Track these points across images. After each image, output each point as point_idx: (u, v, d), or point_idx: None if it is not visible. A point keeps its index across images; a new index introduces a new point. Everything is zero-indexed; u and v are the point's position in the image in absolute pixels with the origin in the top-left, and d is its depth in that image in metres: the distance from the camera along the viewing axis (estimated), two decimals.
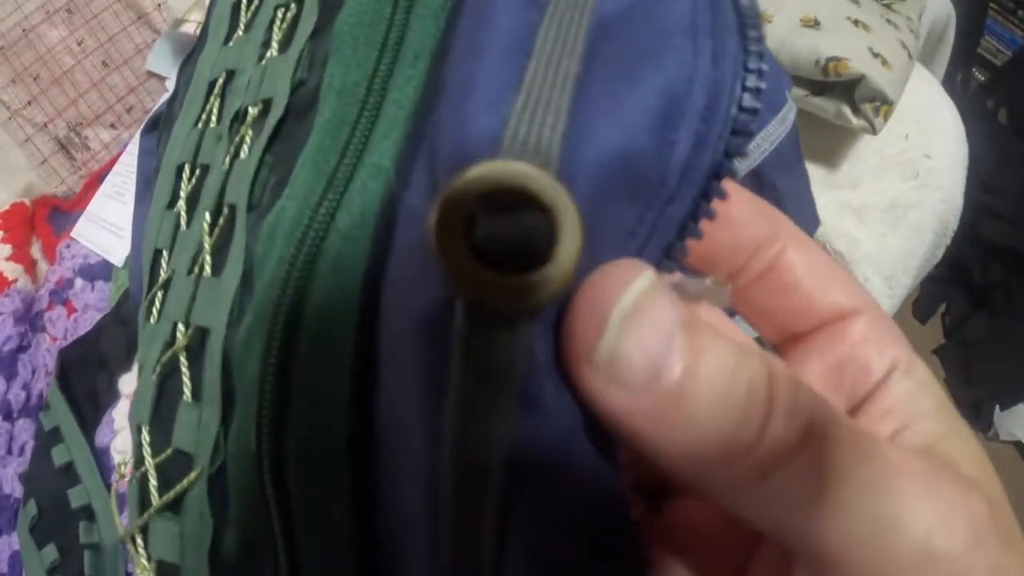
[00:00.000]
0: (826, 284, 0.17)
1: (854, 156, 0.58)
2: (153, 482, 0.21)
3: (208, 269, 0.21)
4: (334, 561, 0.17)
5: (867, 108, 0.50)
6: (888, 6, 0.60)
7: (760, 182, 0.28)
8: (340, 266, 0.17)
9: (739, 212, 0.17)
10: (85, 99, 0.77)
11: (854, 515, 0.13)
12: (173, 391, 0.22)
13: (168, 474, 0.21)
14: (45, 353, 0.59)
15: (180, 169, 0.26)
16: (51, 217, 0.73)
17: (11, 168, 0.75)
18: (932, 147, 0.59)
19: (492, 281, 0.11)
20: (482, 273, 0.11)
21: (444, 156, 0.14)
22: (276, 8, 0.24)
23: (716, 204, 0.14)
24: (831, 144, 0.58)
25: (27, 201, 0.74)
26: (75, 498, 0.48)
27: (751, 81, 0.14)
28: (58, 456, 0.50)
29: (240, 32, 0.26)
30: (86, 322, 0.58)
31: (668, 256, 0.14)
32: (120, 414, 0.48)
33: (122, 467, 0.29)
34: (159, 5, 0.75)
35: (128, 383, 0.50)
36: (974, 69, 1.46)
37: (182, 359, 0.21)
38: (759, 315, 0.18)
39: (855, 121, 0.51)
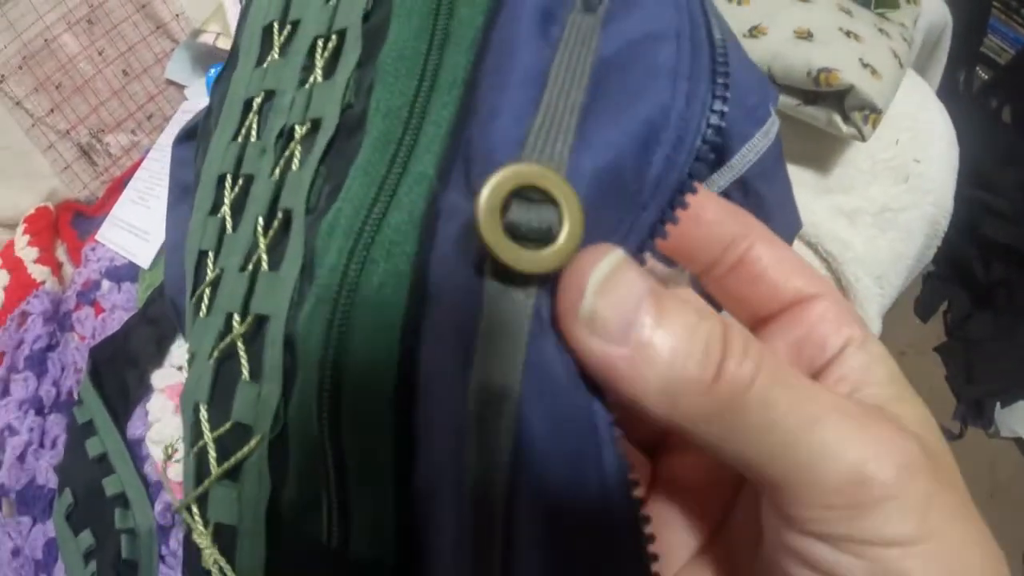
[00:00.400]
0: (789, 274, 0.20)
1: (846, 162, 0.61)
2: (212, 454, 0.24)
3: (265, 265, 0.25)
4: (378, 501, 0.20)
5: (857, 116, 0.52)
6: (881, 15, 0.62)
7: (745, 189, 0.31)
8: (392, 253, 0.20)
9: (712, 214, 0.20)
10: (106, 107, 0.79)
11: (799, 445, 0.15)
12: (230, 373, 0.25)
13: (227, 445, 0.24)
14: (74, 351, 0.62)
15: (221, 179, 0.29)
16: (74, 221, 0.75)
17: (35, 174, 0.78)
18: (922, 152, 0.61)
19: (518, 252, 0.15)
20: (511, 246, 0.15)
21: (478, 163, 0.17)
22: (316, 38, 0.27)
23: (692, 204, 0.18)
24: (823, 150, 0.61)
25: (51, 206, 0.77)
26: (109, 487, 0.51)
27: (714, 120, 0.17)
28: (92, 448, 0.53)
29: (275, 56, 0.29)
30: (114, 322, 0.60)
31: (641, 250, 0.18)
32: (154, 407, 0.51)
33: (168, 449, 0.31)
34: (177, 16, 0.77)
35: (160, 378, 0.52)
36: (977, 68, 1.46)
37: (239, 344, 0.24)
38: (732, 300, 0.21)
39: (845, 129, 0.53)
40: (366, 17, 0.26)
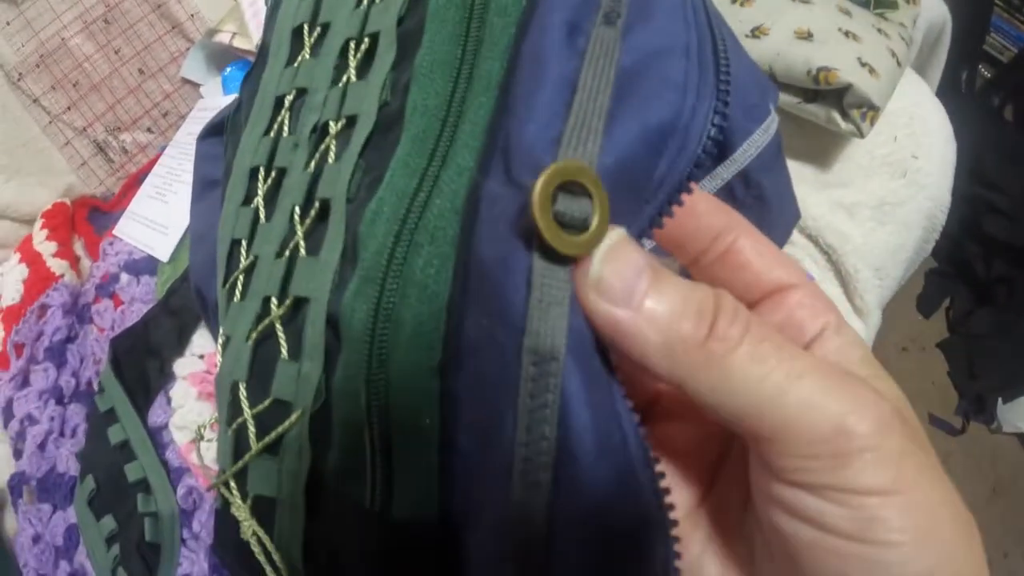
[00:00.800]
0: (770, 264, 0.22)
1: (845, 157, 0.62)
2: (252, 430, 0.26)
3: (303, 251, 0.26)
4: (422, 465, 0.21)
5: (855, 114, 0.54)
6: (881, 15, 0.64)
7: (747, 180, 0.33)
8: (436, 237, 0.22)
9: (702, 207, 0.22)
10: (122, 105, 0.81)
11: (787, 397, 0.17)
12: (269, 353, 0.27)
13: (266, 421, 0.26)
14: (93, 343, 0.63)
15: (254, 172, 0.31)
16: (91, 217, 0.77)
17: (52, 170, 0.79)
18: (920, 148, 0.62)
19: (562, 237, 0.17)
20: (559, 232, 0.17)
21: (517, 157, 0.20)
22: (348, 40, 0.29)
23: (686, 198, 0.21)
24: (823, 146, 0.62)
25: (68, 201, 0.78)
26: (131, 473, 0.52)
27: (714, 133, 0.20)
28: (114, 435, 0.54)
29: (306, 55, 0.31)
30: (133, 314, 0.62)
31: (640, 237, 0.20)
32: (177, 393, 0.52)
33: (201, 429, 0.33)
34: (192, 16, 0.78)
35: (183, 366, 0.54)
36: (980, 66, 1.46)
37: (278, 326, 0.26)
38: (720, 287, 0.23)
39: (844, 126, 0.55)
40: (399, 22, 0.28)
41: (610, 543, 0.18)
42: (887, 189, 0.61)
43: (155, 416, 0.54)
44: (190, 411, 0.51)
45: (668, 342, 0.18)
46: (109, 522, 0.52)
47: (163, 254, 0.65)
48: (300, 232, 0.27)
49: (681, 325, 0.18)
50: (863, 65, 0.54)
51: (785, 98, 0.57)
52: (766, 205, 0.34)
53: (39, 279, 0.68)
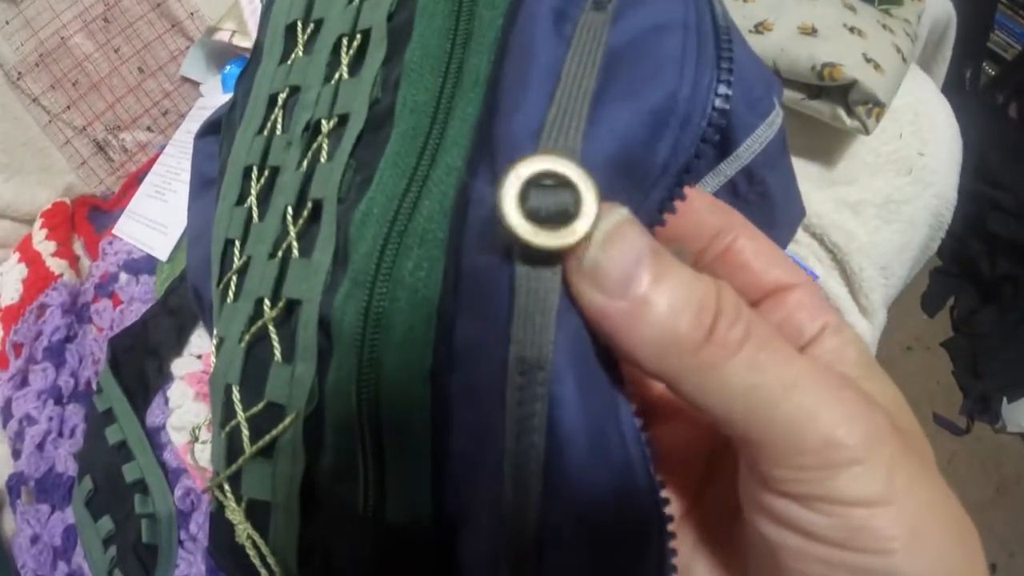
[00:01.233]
0: (770, 265, 0.22)
1: (850, 155, 0.62)
2: (245, 433, 0.26)
3: (296, 252, 0.26)
4: (415, 469, 0.21)
5: (860, 110, 0.53)
6: (885, 11, 0.63)
7: (751, 177, 0.32)
8: (425, 240, 0.22)
9: (700, 205, 0.22)
10: (122, 103, 0.80)
11: (779, 407, 0.16)
12: (262, 355, 0.26)
13: (260, 424, 0.26)
14: (92, 343, 0.63)
15: (247, 171, 0.31)
16: (91, 216, 0.76)
17: (52, 169, 0.79)
18: (926, 145, 0.62)
19: (537, 232, 0.16)
20: (531, 228, 0.16)
21: (501, 155, 0.19)
22: (340, 36, 0.28)
23: (684, 197, 0.19)
24: (828, 144, 0.62)
25: (67, 201, 0.78)
26: (129, 473, 0.52)
27: (719, 103, 0.19)
28: (112, 435, 0.54)
29: (299, 53, 0.31)
30: (132, 313, 0.61)
31: (650, 226, 0.19)
32: (175, 394, 0.52)
33: (195, 431, 0.33)
34: (192, 14, 0.78)
35: (180, 366, 0.54)
36: (984, 64, 1.46)
37: (271, 328, 0.26)
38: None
39: (849, 122, 0.54)
40: (390, 17, 0.27)
41: (604, 547, 0.18)
42: (893, 187, 0.61)
43: (153, 416, 0.53)
44: (188, 412, 0.51)
45: (662, 339, 0.17)
46: (107, 523, 0.52)
47: (162, 253, 0.64)
48: (293, 233, 0.26)
49: (679, 323, 0.17)
50: (868, 61, 0.53)
51: (789, 94, 0.56)
52: (770, 202, 0.34)
53: (38, 278, 0.68)
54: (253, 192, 0.30)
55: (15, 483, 0.57)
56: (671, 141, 0.19)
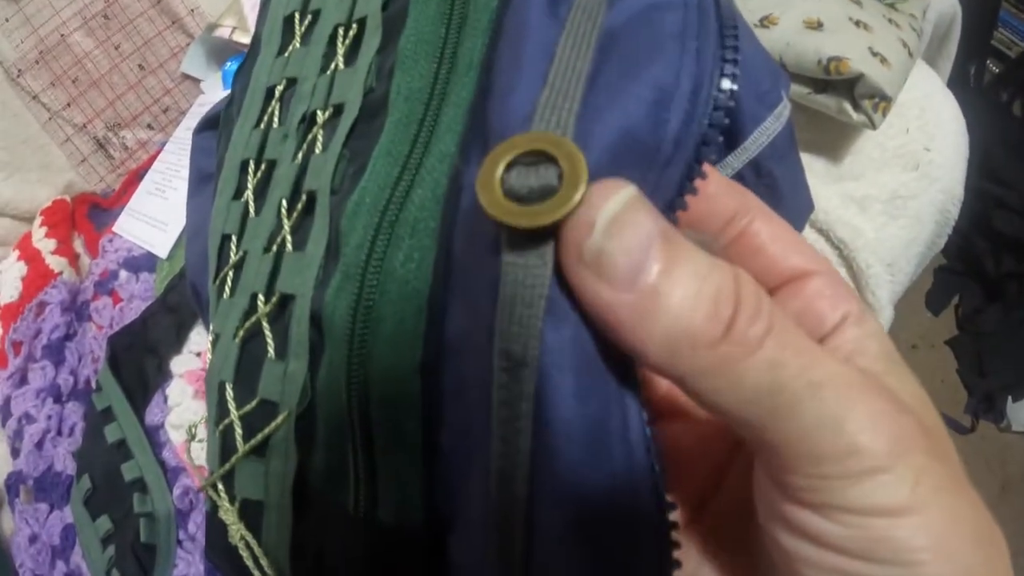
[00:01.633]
0: (787, 250, 0.20)
1: (856, 150, 0.61)
2: (239, 431, 0.25)
3: (290, 246, 0.25)
4: (405, 467, 0.20)
5: (867, 104, 0.53)
6: (891, 5, 0.63)
7: (758, 170, 0.32)
8: (417, 229, 0.21)
9: (714, 188, 0.20)
10: (122, 101, 0.80)
11: (801, 409, 0.15)
12: (256, 352, 0.26)
13: (253, 422, 0.25)
14: (91, 341, 0.63)
15: (244, 165, 0.30)
16: (91, 214, 0.76)
17: (52, 167, 0.79)
18: (932, 140, 0.61)
19: (517, 211, 0.15)
20: (511, 208, 0.15)
21: (493, 139, 0.18)
22: (336, 26, 0.28)
23: (704, 180, 0.18)
24: (834, 138, 0.61)
25: (68, 198, 0.78)
26: (128, 472, 0.51)
27: (728, 68, 0.18)
28: (111, 434, 0.53)
29: (297, 44, 0.30)
30: (131, 311, 0.61)
31: (672, 209, 0.18)
32: (174, 391, 0.51)
33: (192, 429, 0.32)
34: (192, 11, 0.78)
35: (179, 364, 0.53)
36: (988, 61, 1.45)
37: (264, 324, 0.25)
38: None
39: (855, 117, 0.54)
40: (385, 6, 0.27)
41: (601, 550, 0.17)
42: (899, 182, 0.60)
43: (152, 415, 0.53)
44: (186, 410, 0.50)
45: (674, 335, 0.15)
46: (105, 522, 0.51)
47: (162, 251, 0.64)
48: (287, 226, 0.26)
49: (693, 317, 0.15)
50: (874, 55, 0.53)
51: (795, 88, 0.55)
52: (778, 195, 0.33)
53: (37, 276, 0.67)
54: (250, 186, 0.29)
55: (14, 482, 0.57)
56: (680, 115, 0.17)
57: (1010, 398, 1.31)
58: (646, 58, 0.18)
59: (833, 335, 0.19)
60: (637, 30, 0.18)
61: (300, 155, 0.27)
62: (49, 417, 0.59)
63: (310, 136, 0.26)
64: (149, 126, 0.81)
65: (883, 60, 0.53)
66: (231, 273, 0.28)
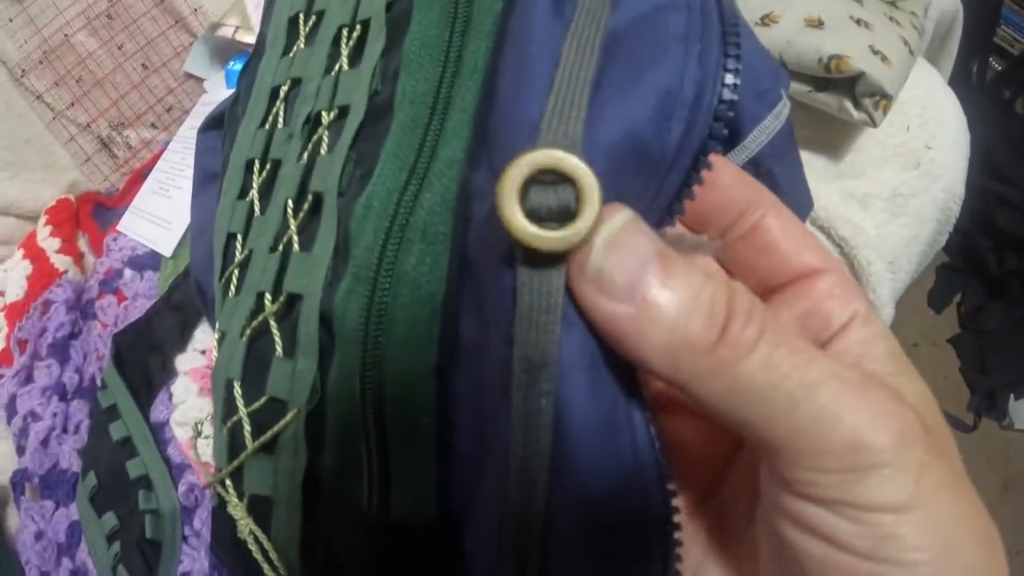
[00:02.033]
0: (799, 246, 0.21)
1: (857, 148, 0.61)
2: (247, 428, 0.25)
3: (296, 246, 0.26)
4: (420, 465, 0.21)
5: (867, 102, 0.53)
6: (892, 3, 0.63)
7: (757, 169, 0.32)
8: (428, 233, 0.21)
9: (726, 179, 0.21)
10: (126, 100, 0.80)
11: (799, 408, 0.16)
12: (263, 350, 0.26)
13: (261, 420, 0.25)
14: (96, 339, 0.63)
15: (250, 164, 0.31)
16: (95, 213, 0.76)
17: (56, 166, 0.79)
18: (933, 138, 0.61)
19: (539, 235, 0.16)
20: (533, 231, 0.16)
21: (499, 148, 0.18)
22: (340, 27, 0.28)
23: (706, 173, 0.18)
24: (835, 137, 0.61)
25: (72, 197, 0.78)
26: (133, 469, 0.52)
27: (729, 79, 0.18)
28: (116, 431, 0.54)
29: (301, 45, 0.30)
30: (136, 309, 0.61)
31: (670, 213, 0.18)
32: (178, 389, 0.52)
33: (198, 426, 0.32)
34: (195, 10, 0.78)
35: (184, 362, 0.53)
36: (991, 59, 1.45)
37: (272, 322, 0.25)
38: (743, 268, 0.22)
39: (856, 115, 0.54)
40: (389, 7, 0.27)
41: (610, 546, 0.17)
42: (900, 180, 0.60)
43: (157, 412, 0.53)
44: (191, 407, 0.50)
45: (673, 344, 0.16)
46: (110, 519, 0.51)
47: (166, 249, 0.64)
48: (293, 226, 0.26)
49: (690, 326, 0.16)
50: (875, 53, 0.53)
51: (796, 87, 0.56)
52: (778, 192, 0.33)
53: (43, 275, 0.68)
54: (255, 186, 0.29)
55: (20, 479, 0.57)
56: (682, 123, 0.18)
57: (1012, 396, 1.31)
58: (650, 61, 0.18)
59: (840, 335, 0.19)
60: (641, 32, 0.19)
61: (305, 156, 0.27)
62: (55, 415, 0.59)
63: (315, 137, 0.27)
64: (153, 125, 0.81)
65: (884, 58, 0.53)
66: (236, 272, 0.29)
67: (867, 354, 0.19)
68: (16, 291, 0.67)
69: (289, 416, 0.24)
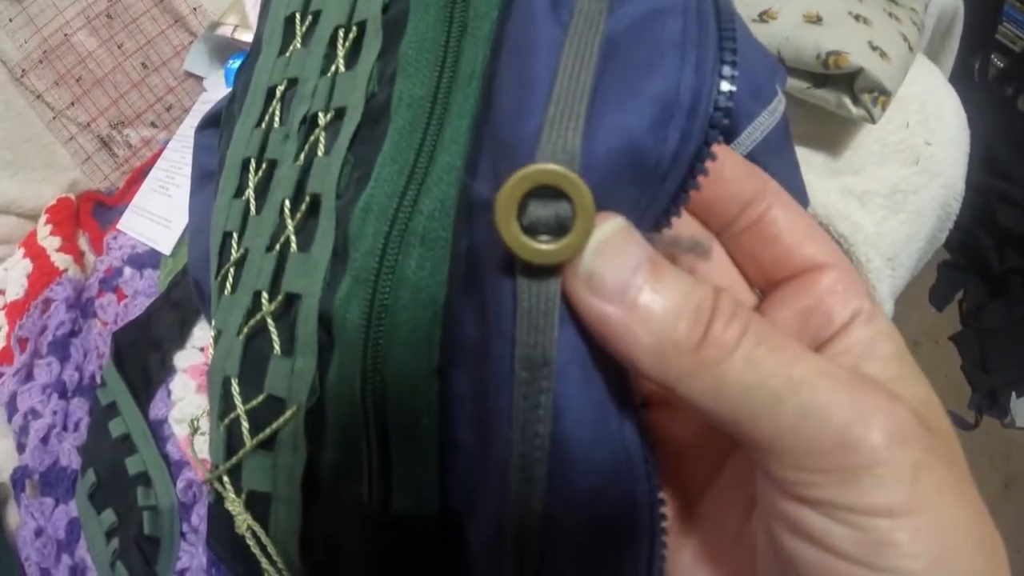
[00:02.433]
0: (803, 240, 0.20)
1: (856, 144, 0.61)
2: (245, 425, 0.26)
3: (294, 247, 0.26)
4: (420, 461, 0.21)
5: (866, 99, 0.53)
6: None
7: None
8: (428, 238, 0.22)
9: (730, 171, 0.21)
10: (126, 99, 0.80)
11: (785, 406, 0.16)
12: (261, 348, 0.26)
13: (259, 417, 0.26)
14: (96, 337, 0.63)
15: (246, 164, 0.31)
16: (95, 211, 0.77)
17: (56, 166, 0.79)
18: (933, 135, 0.61)
19: (536, 249, 0.16)
20: (530, 245, 0.16)
21: (501, 158, 0.19)
22: (337, 28, 0.28)
23: (711, 164, 0.19)
24: (834, 133, 0.61)
25: (72, 196, 0.78)
26: (132, 466, 0.52)
27: (725, 86, 0.18)
28: (115, 428, 0.54)
29: (297, 45, 0.31)
30: (136, 307, 0.61)
31: (666, 216, 0.19)
32: (177, 386, 0.52)
33: (194, 422, 0.33)
34: (195, 9, 0.78)
35: (183, 359, 0.54)
36: (992, 56, 1.45)
37: (270, 321, 0.26)
38: (747, 260, 0.22)
39: (855, 111, 0.54)
40: (385, 9, 0.27)
41: (601, 539, 0.17)
42: (899, 176, 0.60)
43: (156, 409, 0.53)
44: (189, 404, 0.51)
45: (660, 344, 0.16)
46: (109, 516, 0.52)
47: (166, 247, 0.64)
48: (291, 227, 0.26)
49: (676, 326, 0.16)
50: (874, 49, 0.53)
51: (794, 83, 0.55)
52: None
53: (43, 274, 0.68)
54: (251, 185, 0.30)
55: (20, 476, 0.58)
56: (679, 131, 0.18)
57: (1014, 394, 1.31)
58: (647, 67, 0.18)
59: (842, 334, 0.19)
60: (638, 38, 0.19)
61: (302, 157, 0.27)
62: (55, 412, 0.59)
63: (312, 138, 0.27)
64: (152, 124, 0.81)
65: (883, 54, 0.53)
66: (232, 270, 0.29)
67: (870, 353, 0.19)
68: (17, 290, 0.67)
69: (288, 413, 0.24)
